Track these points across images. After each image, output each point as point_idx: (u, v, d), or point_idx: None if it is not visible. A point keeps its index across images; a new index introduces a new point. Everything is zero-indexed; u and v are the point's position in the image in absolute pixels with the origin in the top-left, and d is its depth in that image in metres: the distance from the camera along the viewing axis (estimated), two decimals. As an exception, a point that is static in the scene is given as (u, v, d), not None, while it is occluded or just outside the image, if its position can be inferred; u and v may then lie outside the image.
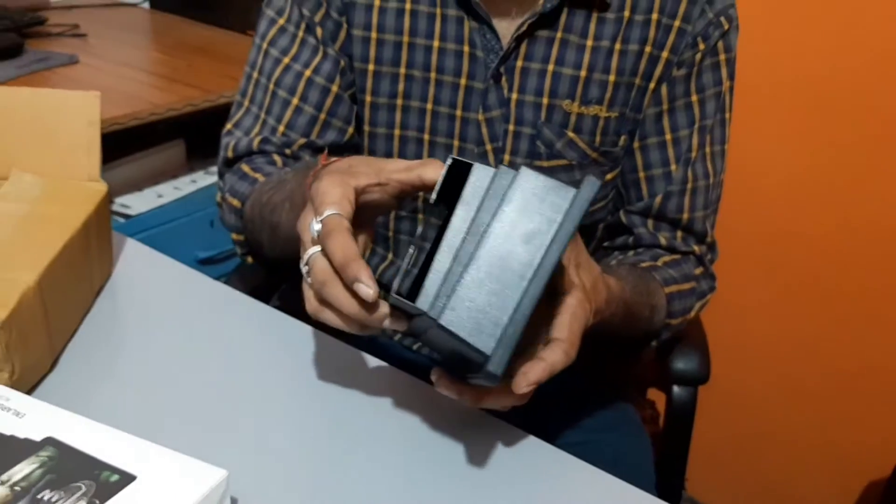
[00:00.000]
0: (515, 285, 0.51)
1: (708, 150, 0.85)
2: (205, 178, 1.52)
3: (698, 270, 0.88)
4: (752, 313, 1.48)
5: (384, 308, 0.54)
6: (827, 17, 1.30)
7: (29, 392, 0.60)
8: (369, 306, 0.54)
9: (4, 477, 0.47)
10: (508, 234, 0.51)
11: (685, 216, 0.86)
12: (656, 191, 0.85)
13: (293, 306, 0.83)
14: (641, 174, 0.86)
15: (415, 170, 0.57)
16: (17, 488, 0.47)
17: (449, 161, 0.54)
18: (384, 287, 0.58)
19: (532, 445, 0.62)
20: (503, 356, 0.50)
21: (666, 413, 0.98)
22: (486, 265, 0.51)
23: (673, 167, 0.84)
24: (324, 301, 0.55)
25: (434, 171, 0.56)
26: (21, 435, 0.50)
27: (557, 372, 0.56)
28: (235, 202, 0.84)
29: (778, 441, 1.54)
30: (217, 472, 0.48)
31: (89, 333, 0.69)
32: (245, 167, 0.85)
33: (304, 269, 0.56)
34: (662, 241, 0.87)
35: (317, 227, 0.55)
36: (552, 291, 0.59)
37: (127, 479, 0.47)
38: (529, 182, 0.52)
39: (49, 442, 0.50)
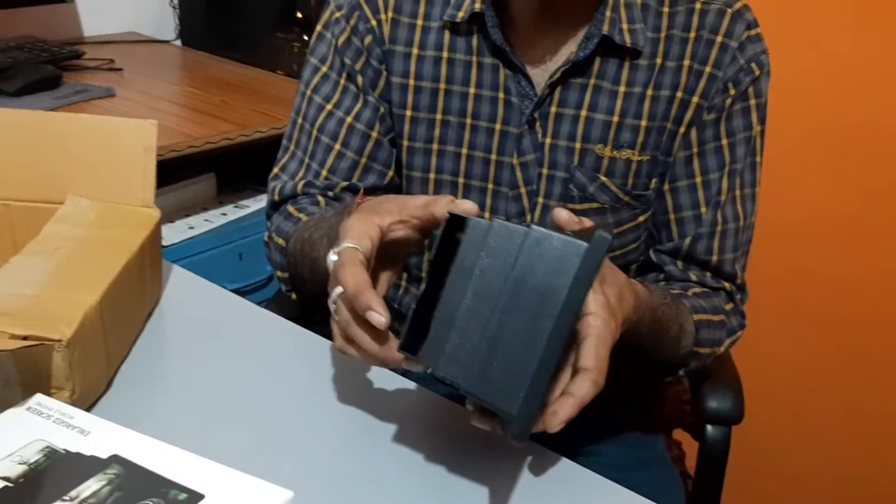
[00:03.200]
0: (536, 345, 0.50)
1: (738, 192, 0.86)
2: (234, 212, 1.54)
3: (729, 306, 0.88)
4: (782, 355, 1.48)
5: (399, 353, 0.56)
6: (860, 63, 1.32)
7: (86, 411, 0.61)
8: (386, 346, 0.56)
9: (73, 493, 0.48)
10: (523, 294, 0.51)
11: (714, 258, 0.87)
12: (686, 232, 0.86)
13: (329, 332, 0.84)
14: (672, 216, 0.86)
15: (428, 206, 0.60)
16: (85, 505, 0.47)
17: (447, 216, 0.55)
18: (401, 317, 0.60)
19: (570, 470, 0.63)
20: (526, 424, 0.50)
21: (699, 452, 0.97)
22: (501, 327, 0.51)
23: (703, 209, 0.85)
24: (348, 339, 0.58)
25: (441, 207, 0.59)
26: (87, 452, 0.51)
27: (587, 403, 0.56)
28: (281, 241, 0.87)
29: (808, 481, 1.53)
30: (283, 492, 0.49)
31: (141, 355, 0.70)
32: (290, 208, 0.88)
33: (332, 308, 0.59)
34: (693, 277, 0.87)
35: (333, 258, 0.58)
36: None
37: (195, 497, 0.48)
38: (544, 241, 0.52)
39: (115, 460, 0.51)
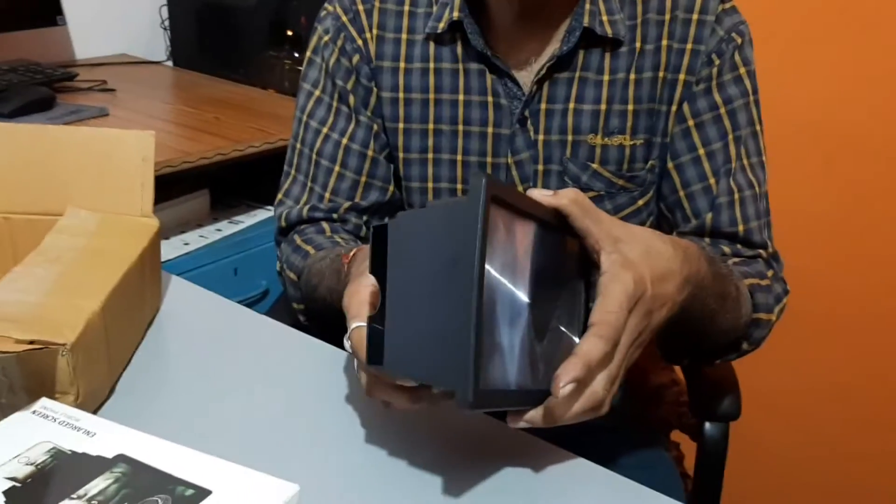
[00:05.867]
0: (464, 315, 0.48)
1: (746, 162, 0.85)
2: (229, 227, 1.55)
3: (770, 273, 0.86)
4: (778, 355, 1.49)
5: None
6: (847, 61, 1.34)
7: (90, 417, 0.61)
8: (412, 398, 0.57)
9: (81, 492, 0.48)
10: (441, 271, 0.50)
11: (741, 228, 0.85)
12: (699, 207, 0.85)
13: (331, 336, 0.85)
14: (681, 193, 0.86)
15: None
16: (94, 503, 0.47)
17: (371, 231, 0.55)
18: None
19: (580, 467, 0.63)
20: (471, 396, 0.48)
21: (698, 450, 0.98)
22: (435, 310, 0.51)
23: (711, 181, 0.85)
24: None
25: None
26: (93, 452, 0.51)
27: (597, 359, 0.54)
28: (292, 275, 0.88)
29: (807, 482, 1.53)
30: (289, 486, 0.49)
31: (142, 362, 0.70)
32: (297, 239, 0.89)
33: (359, 377, 0.60)
34: (726, 251, 0.86)
35: (347, 343, 0.59)
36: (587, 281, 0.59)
37: (202, 493, 0.48)
38: (438, 213, 0.52)
39: (121, 459, 0.51)
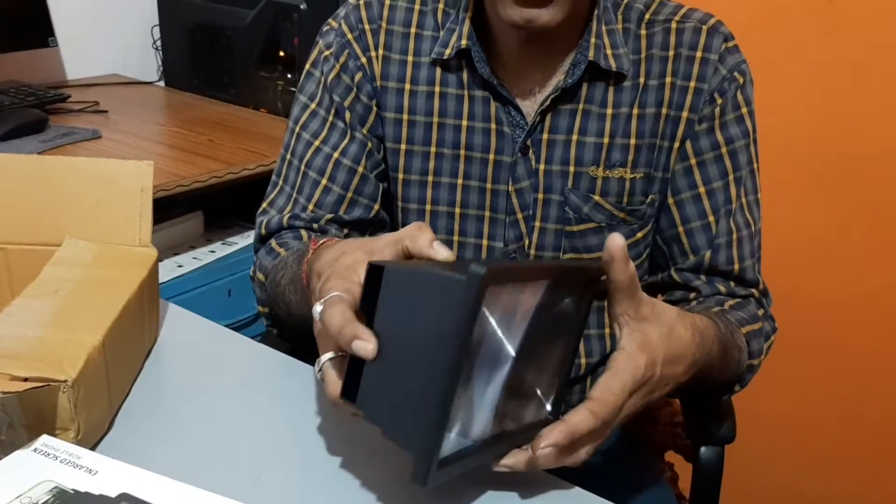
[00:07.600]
0: (432, 388, 0.50)
1: (744, 200, 0.87)
2: (223, 249, 1.54)
3: (760, 312, 0.89)
4: (771, 374, 1.50)
5: None
6: (833, 83, 1.35)
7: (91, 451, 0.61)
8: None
9: (84, 532, 0.48)
10: (421, 336, 0.51)
11: (736, 267, 0.87)
12: (698, 244, 0.87)
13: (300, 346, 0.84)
14: (680, 229, 0.87)
15: (401, 242, 0.60)
16: (97, 543, 0.47)
17: (367, 266, 0.56)
18: None
19: (569, 493, 0.63)
20: (423, 468, 0.50)
21: (693, 473, 0.98)
22: (409, 371, 0.52)
23: (711, 219, 0.86)
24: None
25: (413, 243, 0.59)
26: (96, 492, 0.51)
27: (584, 433, 0.56)
28: (261, 277, 0.88)
29: (802, 500, 1.53)
30: (293, 524, 0.49)
31: (142, 394, 0.70)
32: (274, 243, 0.89)
33: (318, 376, 0.59)
34: (722, 290, 0.88)
35: (318, 308, 0.57)
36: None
37: (206, 532, 0.48)
38: (431, 281, 0.53)
39: (124, 498, 0.51)
